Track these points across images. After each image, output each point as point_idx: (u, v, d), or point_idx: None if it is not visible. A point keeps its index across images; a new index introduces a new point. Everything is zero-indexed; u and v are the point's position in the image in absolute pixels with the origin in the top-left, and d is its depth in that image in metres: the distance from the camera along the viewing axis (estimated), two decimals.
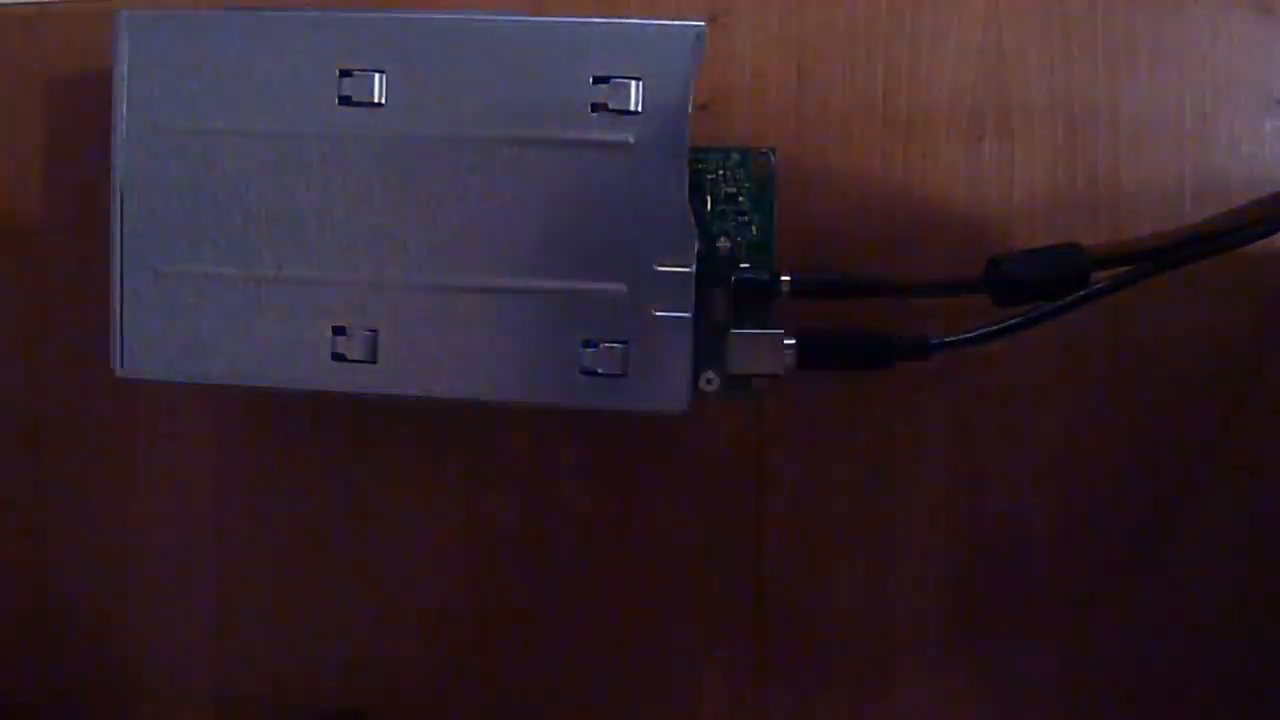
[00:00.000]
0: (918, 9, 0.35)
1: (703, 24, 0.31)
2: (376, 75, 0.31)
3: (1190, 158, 0.35)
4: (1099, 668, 0.36)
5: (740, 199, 0.33)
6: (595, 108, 0.31)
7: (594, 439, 0.37)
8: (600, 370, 0.31)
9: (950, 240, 0.35)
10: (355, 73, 0.31)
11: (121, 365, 0.33)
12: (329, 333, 0.32)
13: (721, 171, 0.33)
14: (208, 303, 0.32)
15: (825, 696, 0.37)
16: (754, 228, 0.33)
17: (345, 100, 0.31)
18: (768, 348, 0.32)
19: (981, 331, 0.32)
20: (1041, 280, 0.32)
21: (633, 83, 0.31)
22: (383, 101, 0.31)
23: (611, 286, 0.31)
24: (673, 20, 0.31)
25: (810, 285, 0.33)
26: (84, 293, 0.38)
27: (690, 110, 0.30)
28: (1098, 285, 0.32)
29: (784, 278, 0.32)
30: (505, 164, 0.31)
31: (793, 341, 0.32)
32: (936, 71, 0.35)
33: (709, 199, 0.33)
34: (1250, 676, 0.35)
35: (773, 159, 0.34)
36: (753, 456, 0.36)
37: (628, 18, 0.31)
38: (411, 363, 0.32)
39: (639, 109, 0.31)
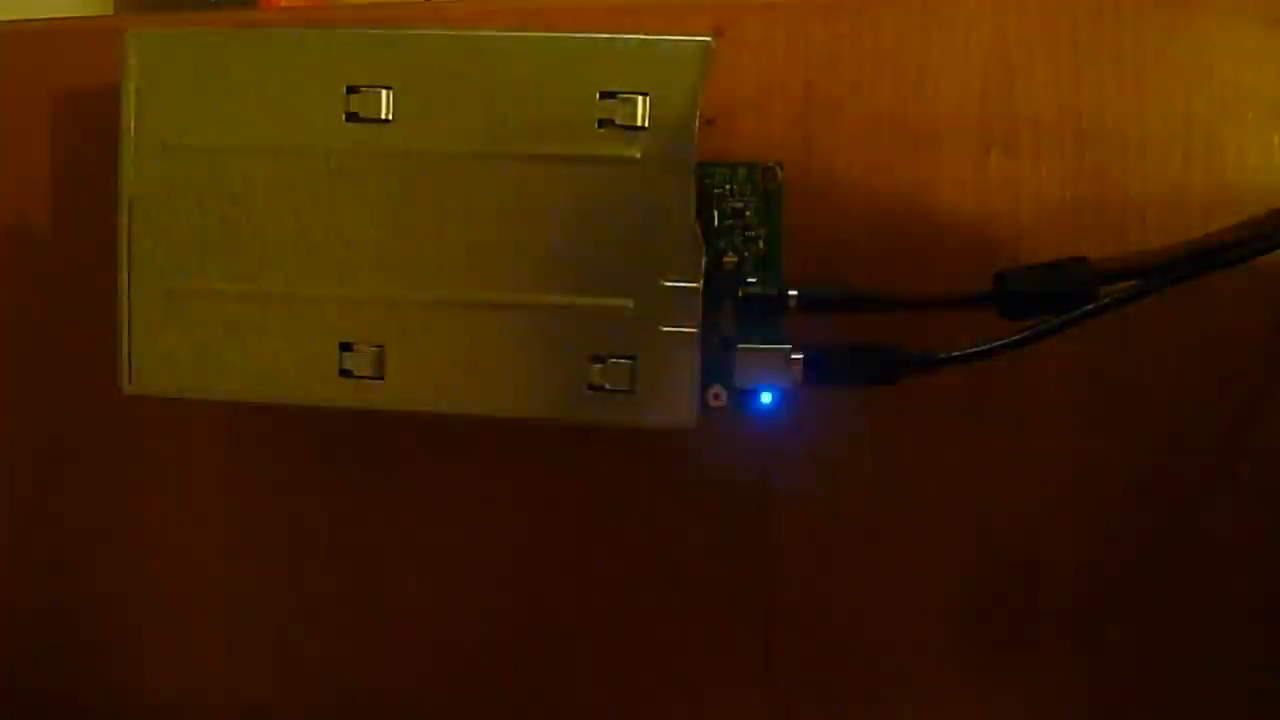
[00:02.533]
0: (925, 22, 0.35)
1: (709, 39, 0.31)
2: (384, 92, 0.31)
3: (1199, 171, 0.34)
4: (1110, 684, 0.35)
5: (747, 214, 0.33)
6: (602, 123, 0.31)
7: (601, 454, 0.37)
8: (607, 386, 0.31)
9: (958, 254, 0.35)
10: (363, 89, 0.31)
11: (130, 382, 0.33)
12: (336, 349, 0.32)
13: (728, 186, 0.33)
14: (215, 319, 0.32)
15: (833, 712, 0.37)
16: (761, 242, 0.33)
17: (352, 117, 0.32)
18: (775, 363, 0.32)
19: (989, 346, 0.32)
20: (1049, 294, 0.32)
21: (639, 98, 0.31)
22: (390, 118, 0.31)
23: (618, 302, 0.31)
24: (679, 35, 0.31)
25: (817, 300, 0.33)
26: (92, 309, 0.38)
27: (697, 125, 0.30)
28: (1106, 299, 0.32)
29: (791, 292, 0.32)
30: (512, 179, 0.31)
31: (800, 356, 0.32)
32: (944, 85, 0.35)
33: (716, 214, 0.33)
34: (1265, 692, 0.35)
35: (779, 173, 0.33)
36: (760, 472, 0.36)
37: (635, 33, 0.31)
38: (419, 378, 0.32)
39: (646, 124, 0.31)
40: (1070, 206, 0.35)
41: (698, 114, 0.30)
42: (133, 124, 0.32)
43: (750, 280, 0.33)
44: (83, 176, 0.39)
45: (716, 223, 0.33)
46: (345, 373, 0.32)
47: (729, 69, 0.35)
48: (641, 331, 0.31)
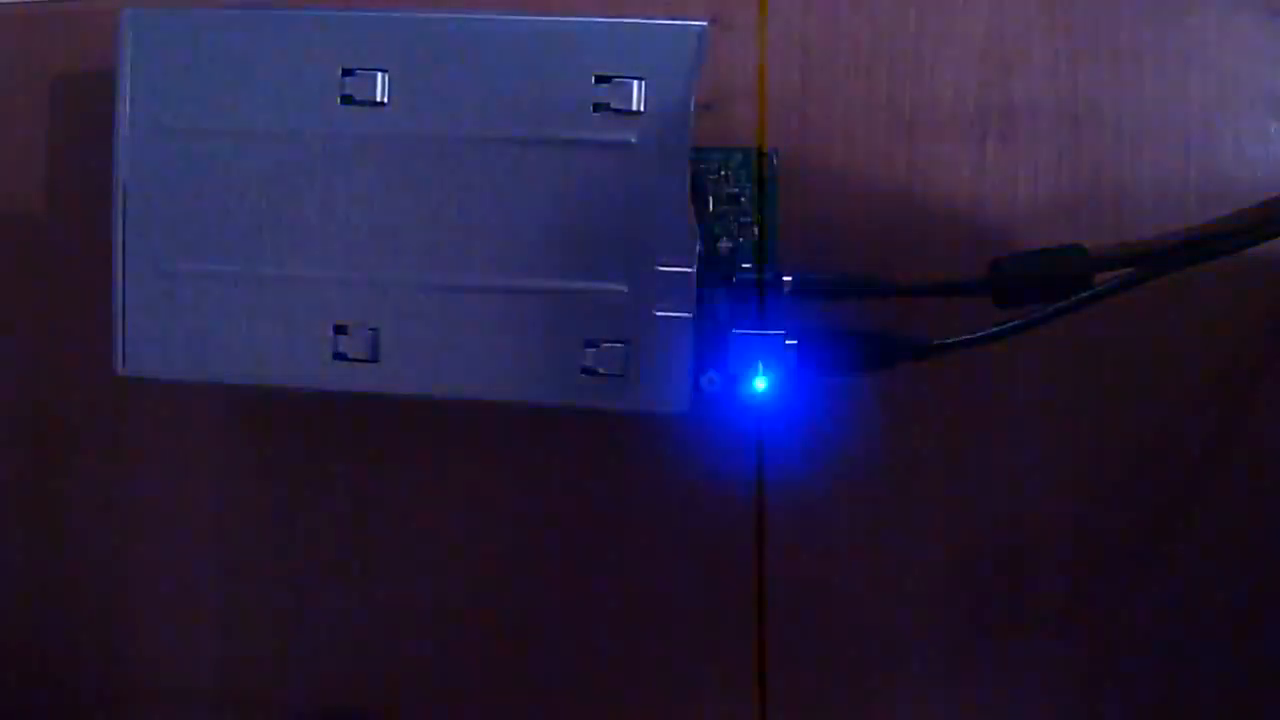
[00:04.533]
0: (922, 9, 0.35)
1: (705, 24, 0.31)
2: (379, 74, 0.31)
3: (1194, 159, 0.34)
4: (1101, 672, 0.35)
5: (742, 199, 0.33)
6: (597, 107, 0.31)
7: (594, 440, 0.37)
8: (601, 370, 0.31)
9: (953, 241, 0.35)
10: (358, 72, 0.31)
11: (123, 364, 0.33)
12: (330, 332, 0.32)
13: (723, 172, 0.33)
14: (209, 301, 0.32)
15: (826, 703, 0.37)
16: (755, 228, 0.33)
17: (347, 99, 0.31)
18: (769, 348, 0.32)
19: (984, 333, 0.32)
20: (1044, 282, 0.32)
21: (635, 82, 0.30)
22: (385, 101, 0.31)
23: (612, 286, 0.31)
24: (675, 20, 0.31)
25: (812, 286, 0.33)
26: (86, 291, 0.38)
27: (692, 110, 0.30)
28: (1100, 287, 0.32)
29: (785, 278, 0.32)
30: (507, 163, 0.31)
31: (794, 342, 0.32)
32: (941, 72, 0.35)
33: (711, 199, 0.33)
34: (1252, 685, 0.35)
35: (775, 159, 0.33)
36: (754, 458, 0.36)
37: (630, 17, 0.31)
38: (413, 362, 0.32)
39: (641, 109, 0.30)
40: (1067, 194, 0.35)
41: (693, 99, 0.30)
42: (127, 105, 0.32)
43: (745, 265, 0.33)
44: (78, 158, 0.39)
45: (711, 208, 0.33)
46: (339, 356, 0.32)
47: (725, 54, 0.35)
48: (635, 316, 0.31)
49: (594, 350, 0.31)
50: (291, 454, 0.39)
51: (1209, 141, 0.35)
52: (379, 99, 0.31)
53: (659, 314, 0.31)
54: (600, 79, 0.31)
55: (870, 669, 0.36)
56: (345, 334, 0.32)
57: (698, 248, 0.31)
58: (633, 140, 0.31)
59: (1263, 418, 0.35)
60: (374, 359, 0.32)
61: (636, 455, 0.37)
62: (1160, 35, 0.35)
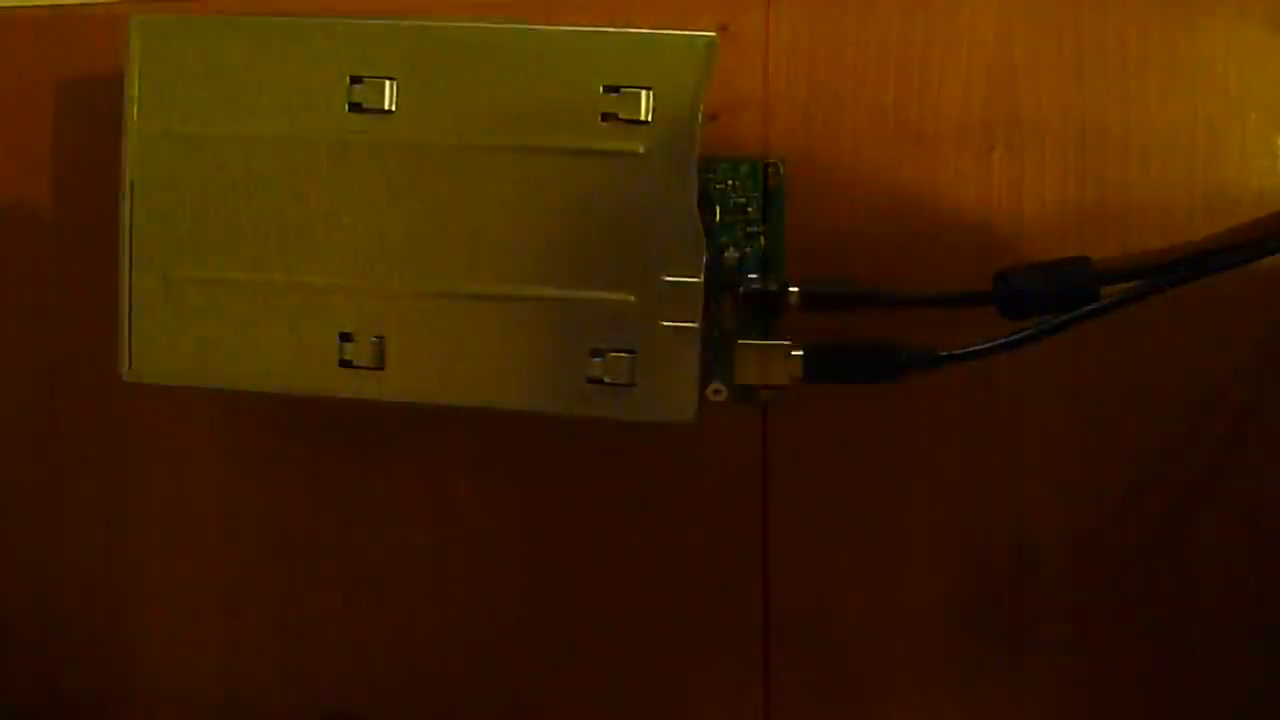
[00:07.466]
0: (929, 21, 0.35)
1: (713, 34, 0.31)
2: (387, 82, 0.31)
3: (1201, 172, 0.34)
4: (1105, 682, 0.35)
5: (749, 210, 0.33)
6: (605, 117, 0.31)
7: (600, 449, 0.37)
8: (607, 380, 0.31)
9: (959, 253, 0.35)
10: (366, 80, 0.31)
11: (129, 369, 0.33)
12: (336, 339, 0.32)
13: (731, 182, 0.33)
14: (216, 308, 0.32)
15: (831, 713, 0.37)
16: (762, 239, 0.33)
17: (355, 107, 0.32)
18: (775, 359, 0.32)
19: (989, 344, 0.32)
20: (1049, 294, 0.32)
21: (643, 92, 0.31)
22: (393, 109, 0.31)
23: (619, 296, 0.31)
24: (683, 30, 0.31)
25: (818, 297, 0.33)
26: (92, 297, 0.38)
27: (700, 120, 0.30)
28: (1107, 300, 0.32)
29: (792, 289, 0.32)
30: (514, 172, 0.31)
31: (800, 353, 0.32)
32: (947, 84, 0.35)
33: (718, 209, 0.33)
34: (1260, 692, 0.35)
35: (782, 170, 0.34)
36: (759, 468, 0.36)
37: (639, 28, 0.31)
38: (418, 370, 0.32)
39: (649, 119, 0.31)
40: (1072, 206, 0.35)
41: (701, 109, 0.30)
42: (135, 111, 0.32)
43: (751, 276, 0.33)
44: (85, 163, 0.38)
45: (718, 218, 0.33)
46: (345, 363, 0.32)
47: (733, 65, 0.35)
48: (642, 326, 0.31)
49: (600, 360, 0.31)
50: (295, 459, 0.39)
51: (1215, 155, 0.35)
52: (387, 107, 0.31)
53: (666, 324, 0.31)
54: (608, 89, 0.31)
55: (876, 684, 0.36)
56: (351, 341, 0.32)
57: (705, 258, 0.31)
58: (640, 150, 0.31)
59: (1267, 426, 0.35)
60: (380, 367, 0.32)
61: (642, 465, 0.37)
62: (1167, 48, 0.35)
